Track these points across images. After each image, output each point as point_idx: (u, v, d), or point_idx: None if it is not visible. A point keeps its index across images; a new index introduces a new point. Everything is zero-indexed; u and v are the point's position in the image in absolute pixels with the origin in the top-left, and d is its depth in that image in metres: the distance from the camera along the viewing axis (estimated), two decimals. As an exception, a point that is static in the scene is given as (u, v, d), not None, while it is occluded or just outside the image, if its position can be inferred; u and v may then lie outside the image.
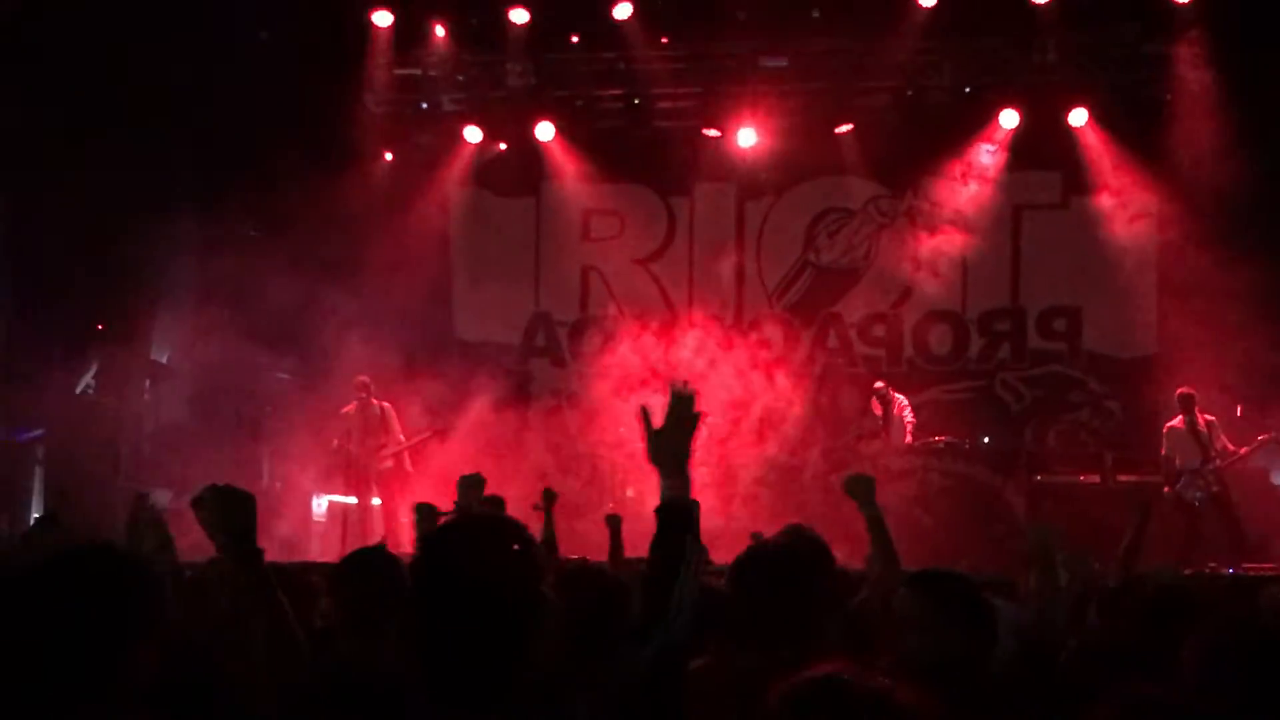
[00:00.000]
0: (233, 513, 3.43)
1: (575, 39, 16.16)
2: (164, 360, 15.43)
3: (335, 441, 14.39)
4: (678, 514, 3.11)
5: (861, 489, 5.17)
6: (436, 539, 2.84)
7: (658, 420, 3.23)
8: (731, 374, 16.62)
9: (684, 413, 3.23)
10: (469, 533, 2.82)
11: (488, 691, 2.63)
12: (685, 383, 3.30)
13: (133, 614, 2.80)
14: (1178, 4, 15.00)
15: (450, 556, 2.72)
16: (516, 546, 2.75)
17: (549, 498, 8.57)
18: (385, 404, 14.55)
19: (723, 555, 9.04)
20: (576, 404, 16.89)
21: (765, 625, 3.79)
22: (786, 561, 3.97)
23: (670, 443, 3.19)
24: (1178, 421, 13.47)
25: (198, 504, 3.44)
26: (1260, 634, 3.40)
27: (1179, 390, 13.51)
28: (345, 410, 14.45)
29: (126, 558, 2.95)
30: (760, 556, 4.10)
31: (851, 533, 6.35)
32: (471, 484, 7.79)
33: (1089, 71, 15.64)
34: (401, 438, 14.49)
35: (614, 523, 8.30)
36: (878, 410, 15.08)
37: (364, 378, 14.55)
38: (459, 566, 2.67)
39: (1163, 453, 13.56)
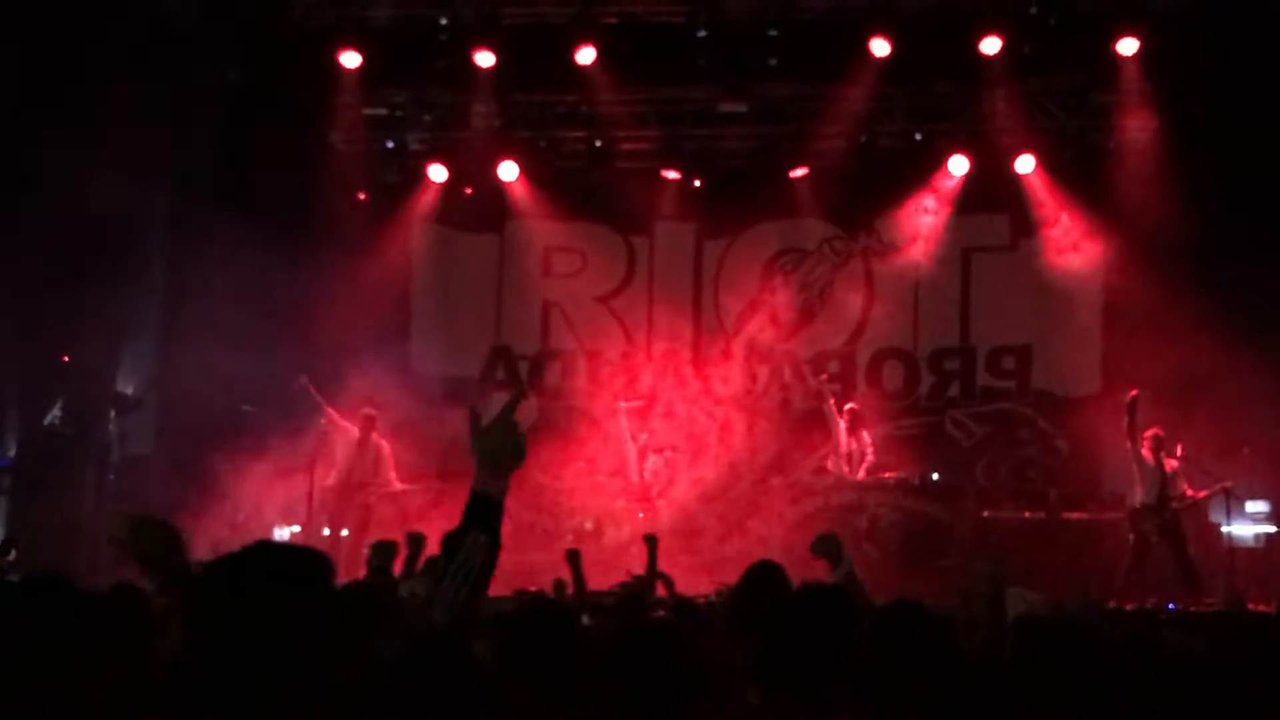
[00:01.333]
0: (148, 541, 3.40)
1: (539, 82, 16.36)
2: (129, 392, 15.51)
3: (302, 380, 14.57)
4: (476, 506, 3.11)
5: (832, 550, 5.27)
6: (223, 564, 2.66)
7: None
8: (689, 409, 16.89)
9: (509, 417, 3.27)
10: (252, 559, 2.67)
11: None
12: (525, 390, 3.41)
13: (77, 645, 2.90)
14: (1121, 56, 15.37)
15: (234, 579, 2.60)
16: (301, 573, 2.63)
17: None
18: (384, 443, 14.65)
19: (681, 586, 9.37)
20: (535, 436, 16.94)
21: (800, 665, 3.79)
22: (828, 602, 4.01)
23: (490, 441, 3.21)
24: (1147, 453, 13.68)
25: (112, 540, 3.43)
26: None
27: (1150, 431, 13.65)
28: (346, 428, 14.56)
29: (71, 591, 3.03)
30: (806, 596, 4.12)
31: (809, 565, 6.65)
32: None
33: (1036, 120, 16.11)
34: (393, 475, 14.61)
35: (574, 558, 8.54)
36: (841, 432, 15.29)
37: (370, 410, 14.67)
38: (243, 587, 2.56)
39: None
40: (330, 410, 14.62)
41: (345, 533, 14.51)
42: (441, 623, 2.94)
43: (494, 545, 3.09)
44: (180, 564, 3.47)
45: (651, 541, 8.78)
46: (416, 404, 16.41)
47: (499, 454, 3.19)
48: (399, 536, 9.35)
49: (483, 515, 3.08)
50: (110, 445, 14.86)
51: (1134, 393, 13.71)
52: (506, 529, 3.04)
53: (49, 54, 13.55)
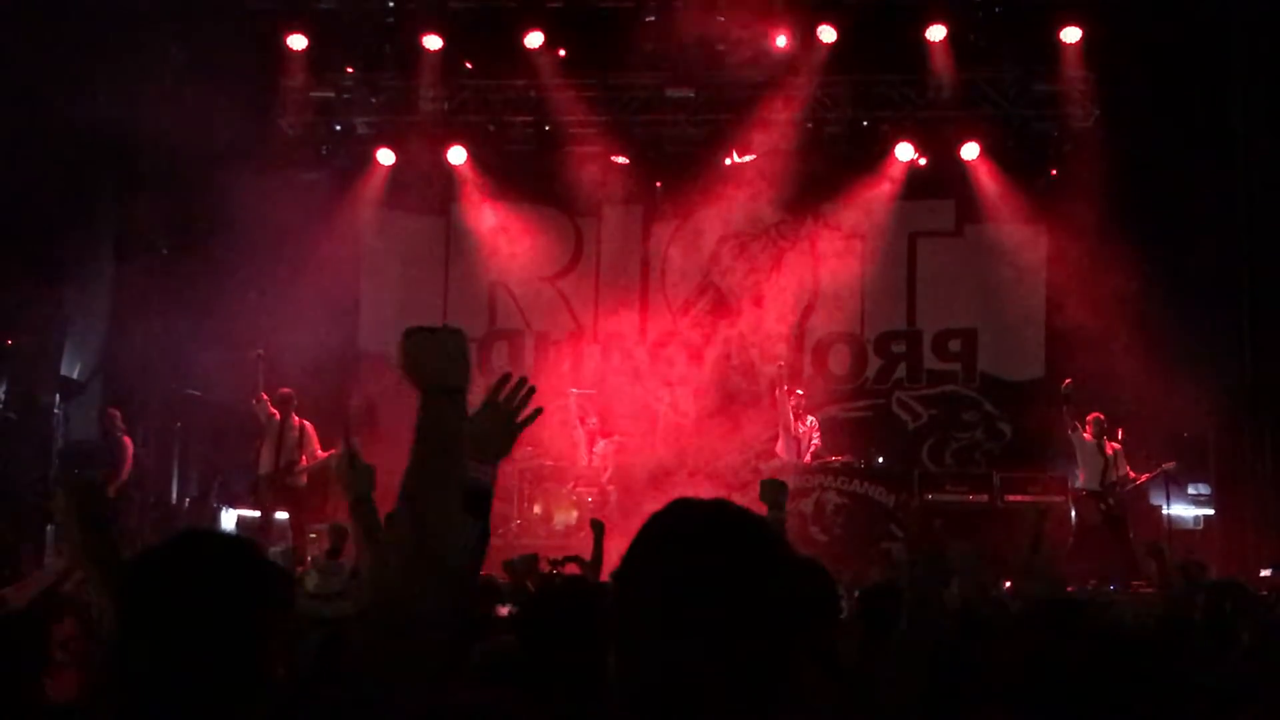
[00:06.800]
0: (81, 504, 3.33)
1: (487, 66, 16.33)
2: (74, 376, 15.41)
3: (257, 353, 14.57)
4: (473, 500, 2.90)
5: (774, 493, 5.32)
6: (151, 558, 2.62)
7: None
8: (635, 390, 16.98)
9: (500, 404, 3.17)
10: (181, 553, 2.62)
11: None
12: (509, 376, 3.24)
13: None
14: (1065, 44, 15.58)
15: (163, 576, 2.55)
16: (238, 566, 2.58)
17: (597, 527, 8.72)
18: (306, 423, 14.61)
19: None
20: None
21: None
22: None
23: (478, 426, 3.09)
24: (1088, 437, 13.94)
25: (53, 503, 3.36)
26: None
27: (1091, 415, 13.95)
28: (271, 412, 14.52)
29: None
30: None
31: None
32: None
33: (980, 107, 16.22)
34: (318, 450, 14.60)
35: (598, 528, 8.64)
36: (789, 416, 15.35)
37: (288, 390, 14.62)
38: (172, 587, 2.51)
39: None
40: (263, 395, 14.59)
41: (284, 515, 14.49)
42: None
43: (485, 533, 3.00)
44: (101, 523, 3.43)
45: (598, 527, 8.82)
46: (366, 383, 16.42)
47: (487, 440, 3.10)
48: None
49: (473, 503, 2.90)
50: (54, 430, 14.74)
51: (1068, 381, 13.95)
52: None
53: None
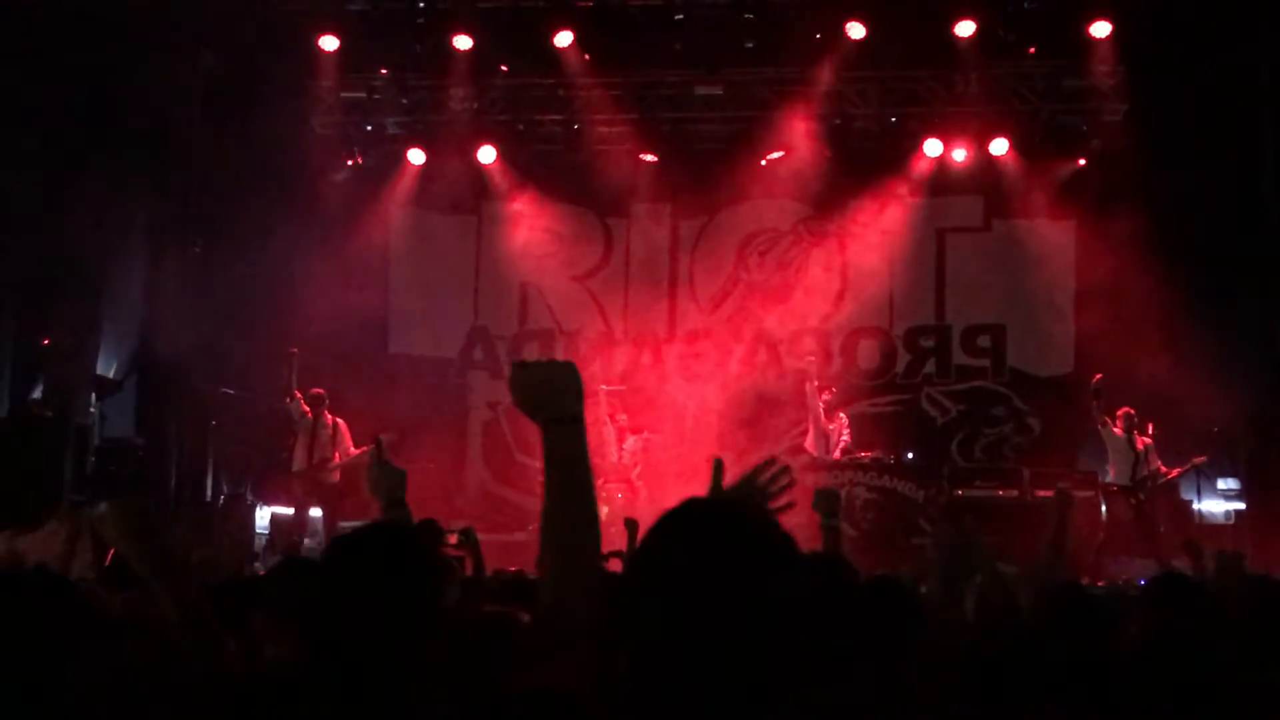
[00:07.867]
0: (136, 527, 3.33)
1: (517, 65, 16.41)
2: (110, 375, 15.55)
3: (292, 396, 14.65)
4: None
5: (827, 503, 5.49)
6: (339, 545, 2.88)
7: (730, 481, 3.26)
8: (664, 387, 17.04)
9: (757, 483, 3.24)
10: (366, 541, 2.86)
11: (377, 693, 2.65)
12: (774, 461, 3.30)
13: (63, 637, 2.85)
14: (1094, 39, 15.55)
15: (349, 563, 2.79)
16: (414, 555, 2.82)
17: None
18: (339, 420, 14.71)
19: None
20: (514, 416, 17.04)
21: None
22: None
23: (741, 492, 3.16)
24: (1119, 431, 13.96)
25: (99, 521, 3.35)
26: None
27: (1121, 410, 13.95)
28: (305, 411, 14.60)
29: (56, 582, 3.00)
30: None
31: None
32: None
33: (1009, 102, 16.22)
34: (351, 447, 14.69)
35: (632, 527, 8.60)
36: (819, 412, 15.33)
37: (319, 390, 14.72)
38: (358, 572, 2.75)
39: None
40: (296, 393, 14.70)
41: (318, 512, 14.62)
42: None
43: None
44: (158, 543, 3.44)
45: (632, 525, 8.80)
46: (397, 383, 16.55)
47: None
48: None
49: None
50: (90, 428, 14.87)
51: (1098, 377, 13.95)
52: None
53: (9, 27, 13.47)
